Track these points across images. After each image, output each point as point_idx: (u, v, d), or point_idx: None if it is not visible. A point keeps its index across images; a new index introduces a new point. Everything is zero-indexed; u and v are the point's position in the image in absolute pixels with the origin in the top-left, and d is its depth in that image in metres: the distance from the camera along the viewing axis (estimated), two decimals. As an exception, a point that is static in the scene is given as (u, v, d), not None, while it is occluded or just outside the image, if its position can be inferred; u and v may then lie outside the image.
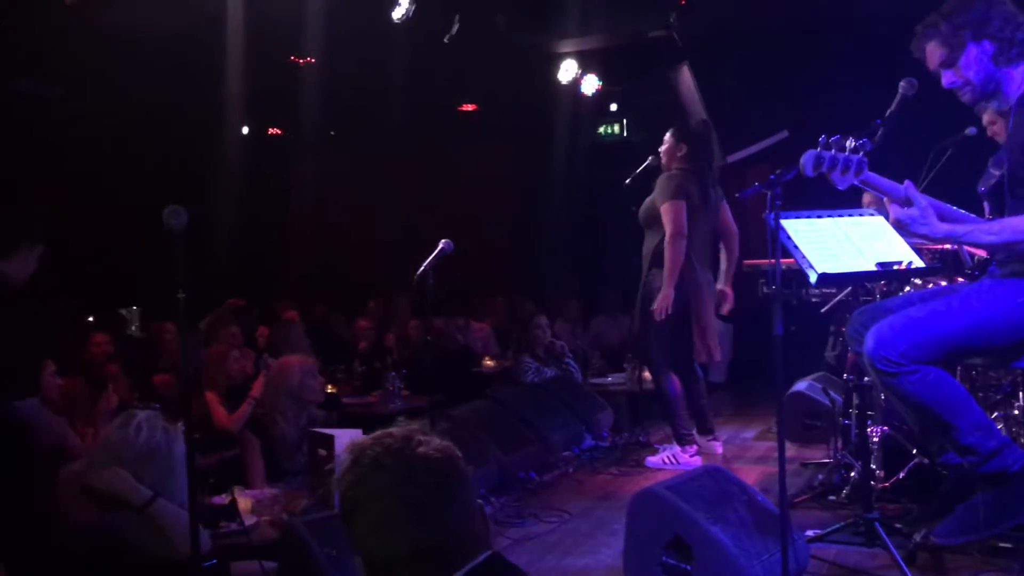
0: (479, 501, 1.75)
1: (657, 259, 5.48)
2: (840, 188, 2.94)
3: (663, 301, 5.39)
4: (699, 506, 3.32)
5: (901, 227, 2.87)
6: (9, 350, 3.90)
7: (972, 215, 3.07)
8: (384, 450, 1.66)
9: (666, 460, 5.53)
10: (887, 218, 3.83)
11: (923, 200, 2.85)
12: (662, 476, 5.18)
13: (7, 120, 8.41)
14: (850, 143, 2.86)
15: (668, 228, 5.37)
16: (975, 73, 2.98)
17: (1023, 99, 2.96)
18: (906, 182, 2.88)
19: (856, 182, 2.94)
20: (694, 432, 5.65)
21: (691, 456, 5.51)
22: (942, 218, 2.89)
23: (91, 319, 9.10)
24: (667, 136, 5.68)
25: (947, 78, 3.05)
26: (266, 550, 3.31)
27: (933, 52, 3.04)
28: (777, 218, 3.15)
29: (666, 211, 5.39)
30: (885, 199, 2.95)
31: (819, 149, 2.81)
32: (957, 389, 2.90)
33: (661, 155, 5.68)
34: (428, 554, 1.61)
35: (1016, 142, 2.96)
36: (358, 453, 1.68)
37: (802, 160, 2.82)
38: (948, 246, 4.21)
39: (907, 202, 2.85)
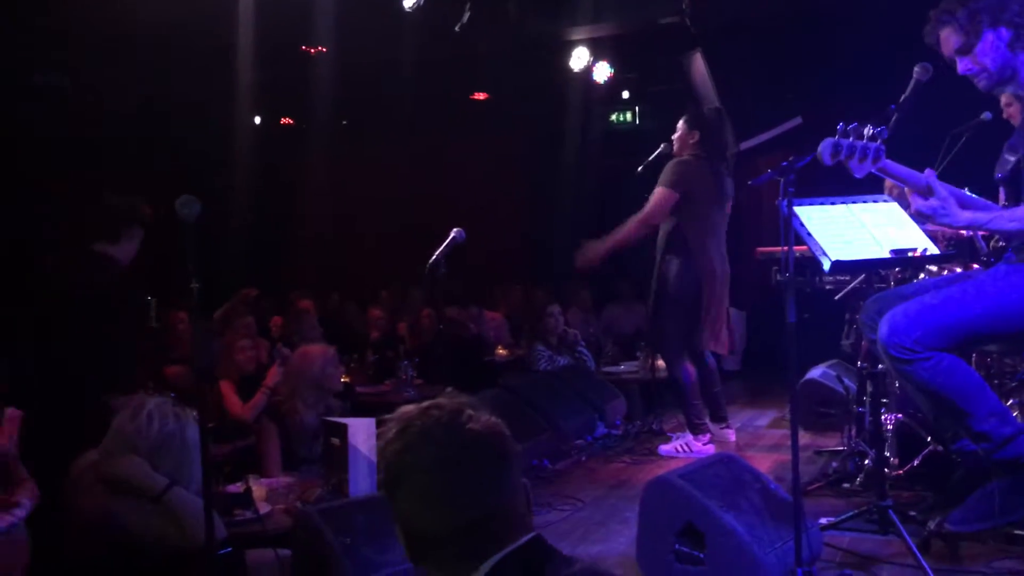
0: (524, 480, 1.69)
1: (671, 246, 5.48)
2: (857, 176, 2.92)
3: (590, 253, 5.47)
4: (712, 494, 3.32)
5: (923, 218, 2.87)
6: (125, 334, 4.02)
7: (990, 203, 3.05)
8: (433, 422, 1.62)
9: (679, 448, 5.54)
10: (906, 209, 3.82)
11: (943, 189, 2.83)
12: (675, 464, 5.19)
13: (20, 112, 8.44)
14: (868, 131, 2.83)
15: (646, 208, 5.41)
16: (992, 60, 2.95)
17: None
18: (927, 171, 2.87)
19: (874, 170, 2.92)
20: (707, 420, 5.65)
21: (704, 444, 5.52)
22: (962, 206, 2.87)
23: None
24: (680, 123, 5.66)
25: (963, 65, 3.02)
26: (281, 538, 3.33)
27: (949, 38, 3.02)
28: (790, 205, 3.14)
29: (655, 194, 5.44)
30: (906, 189, 2.93)
31: (837, 137, 2.79)
32: (971, 376, 2.89)
33: (673, 142, 5.67)
34: (470, 531, 1.57)
35: None
36: (406, 423, 1.63)
37: (820, 148, 2.81)
38: (964, 233, 4.18)
39: (928, 191, 2.83)
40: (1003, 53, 2.94)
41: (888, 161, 2.93)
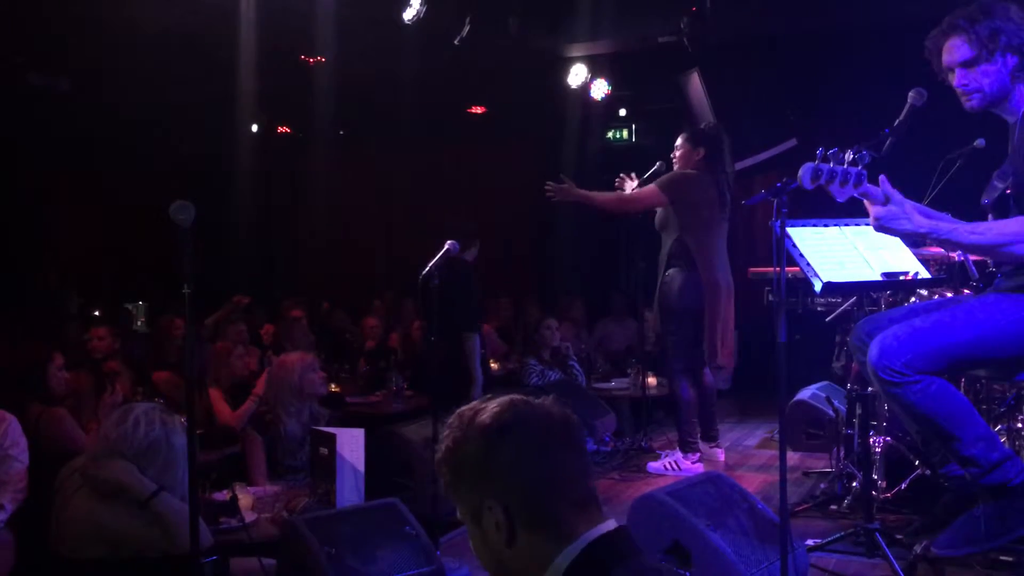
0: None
1: (673, 260, 5.48)
2: (840, 200, 2.90)
3: (563, 191, 5.59)
4: (700, 512, 3.32)
5: (881, 225, 2.84)
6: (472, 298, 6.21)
7: (954, 218, 3.04)
8: (509, 404, 1.62)
9: (668, 466, 5.53)
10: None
11: (899, 195, 2.83)
12: (664, 482, 5.18)
13: (16, 114, 8.45)
14: (849, 156, 2.83)
15: (635, 192, 5.53)
16: (991, 83, 2.92)
17: None
18: (881, 178, 2.85)
19: (856, 194, 2.90)
20: (699, 440, 5.64)
21: (693, 463, 5.51)
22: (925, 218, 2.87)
23: (96, 313, 9.14)
24: (679, 141, 5.64)
25: (960, 78, 2.97)
26: (266, 547, 3.32)
27: (958, 47, 2.95)
28: (783, 226, 3.16)
29: (647, 188, 5.52)
30: (866, 202, 2.91)
31: (817, 162, 2.79)
32: (960, 400, 2.89)
33: (675, 160, 5.66)
34: (562, 487, 1.56)
35: (1022, 155, 2.95)
36: (475, 411, 1.63)
37: (800, 173, 2.80)
38: (955, 257, 4.20)
39: (886, 200, 2.82)
40: (1004, 79, 2.92)
41: (871, 186, 2.92)
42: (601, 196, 5.61)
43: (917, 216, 2.83)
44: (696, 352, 5.56)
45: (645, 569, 1.58)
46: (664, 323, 5.54)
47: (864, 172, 2.84)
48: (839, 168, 2.80)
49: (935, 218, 2.92)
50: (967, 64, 2.94)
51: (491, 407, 1.62)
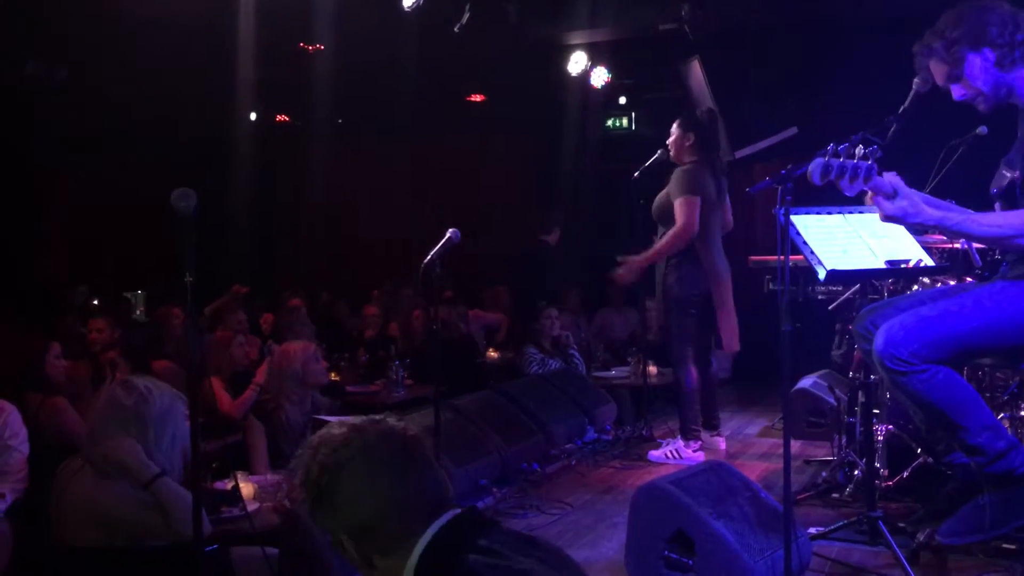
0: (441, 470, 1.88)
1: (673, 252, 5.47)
2: (848, 195, 2.90)
3: (632, 269, 5.49)
4: (703, 501, 3.32)
5: (894, 220, 2.84)
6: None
7: (958, 206, 3.04)
8: (354, 425, 1.84)
9: (669, 455, 5.52)
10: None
11: (906, 188, 2.82)
12: (665, 470, 5.18)
13: (13, 104, 8.40)
14: (859, 150, 2.81)
15: (680, 220, 5.36)
16: (983, 82, 2.95)
17: None
18: (890, 174, 2.84)
19: (866, 188, 2.89)
20: (700, 428, 5.64)
21: (694, 451, 5.50)
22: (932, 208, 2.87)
23: (95, 302, 9.13)
24: (674, 127, 5.65)
25: (957, 92, 3.02)
26: (268, 536, 3.31)
27: (937, 70, 3.03)
28: (787, 214, 3.14)
29: (680, 205, 5.38)
30: (868, 195, 2.91)
31: (827, 157, 2.77)
32: (966, 389, 2.88)
33: (669, 147, 5.66)
34: (404, 507, 1.76)
35: None
36: (330, 432, 1.84)
37: (809, 168, 2.78)
38: (958, 245, 4.19)
39: (893, 194, 2.81)
40: (993, 73, 2.94)
41: (881, 180, 2.91)
42: (661, 245, 5.46)
43: (926, 208, 2.82)
44: (701, 339, 5.55)
45: (498, 539, 1.75)
46: (668, 312, 5.53)
47: (874, 166, 2.82)
48: (849, 163, 2.77)
49: (943, 209, 2.91)
50: (952, 79, 2.99)
51: (334, 439, 1.81)
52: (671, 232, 5.39)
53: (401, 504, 1.76)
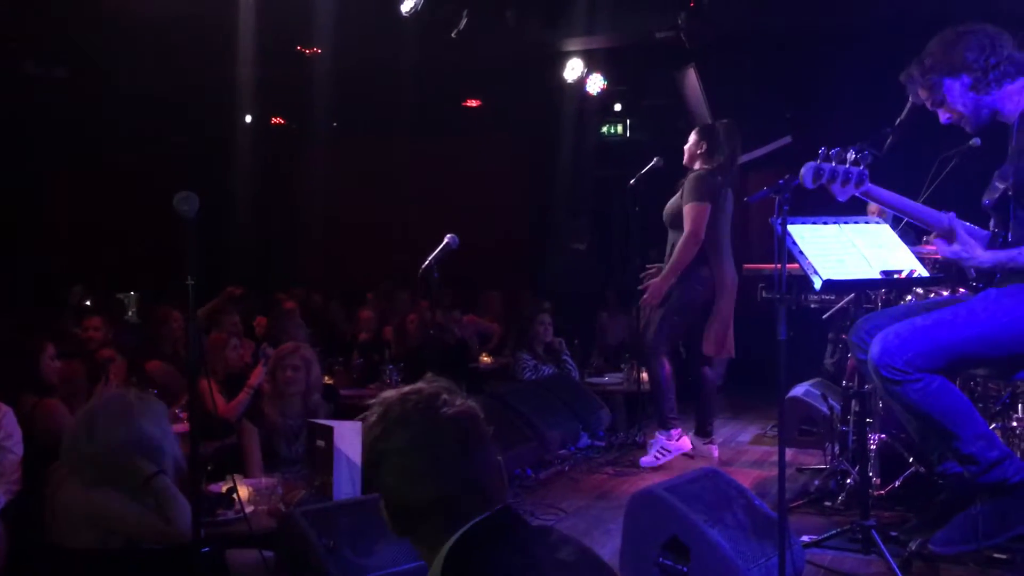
0: (498, 457, 1.84)
1: None
2: (840, 199, 2.96)
3: (655, 294, 5.46)
4: (698, 508, 3.33)
5: (950, 263, 2.96)
6: None
7: (988, 232, 3.11)
8: (412, 407, 1.77)
9: (657, 455, 5.54)
10: (893, 226, 3.85)
11: (964, 235, 2.91)
12: (658, 476, 5.20)
13: (11, 102, 8.39)
14: (851, 155, 2.86)
15: (687, 227, 5.39)
16: (963, 106, 3.08)
17: None
18: (949, 215, 2.95)
19: (857, 194, 2.94)
20: (677, 416, 5.66)
21: (677, 440, 5.54)
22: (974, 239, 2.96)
23: (88, 303, 9.10)
24: (692, 135, 5.71)
25: (943, 116, 3.14)
26: (264, 539, 3.31)
27: (920, 96, 3.15)
28: (784, 223, 3.16)
29: (689, 211, 5.41)
30: (936, 241, 3.01)
31: (819, 161, 2.81)
32: (960, 399, 2.91)
33: (684, 152, 5.71)
34: (446, 504, 1.74)
35: (1021, 154, 2.97)
36: (386, 407, 1.80)
37: (801, 172, 2.84)
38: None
39: (950, 234, 2.90)
40: (971, 97, 3.04)
41: (873, 186, 2.96)
42: (677, 257, 5.44)
43: (980, 251, 2.94)
44: (696, 343, 5.57)
45: (525, 539, 1.77)
46: (663, 306, 5.53)
47: (866, 172, 2.87)
48: (840, 167, 2.82)
49: (996, 252, 2.98)
50: (935, 105, 3.11)
51: (374, 428, 1.79)
52: (680, 242, 5.42)
53: (441, 501, 1.74)
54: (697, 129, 5.74)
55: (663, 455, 5.51)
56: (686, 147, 5.69)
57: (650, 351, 5.62)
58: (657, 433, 5.67)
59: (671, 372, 5.62)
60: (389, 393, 1.83)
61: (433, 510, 1.74)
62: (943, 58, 3.02)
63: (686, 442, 5.51)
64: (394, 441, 1.76)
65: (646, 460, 5.60)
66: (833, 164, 2.84)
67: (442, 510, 1.73)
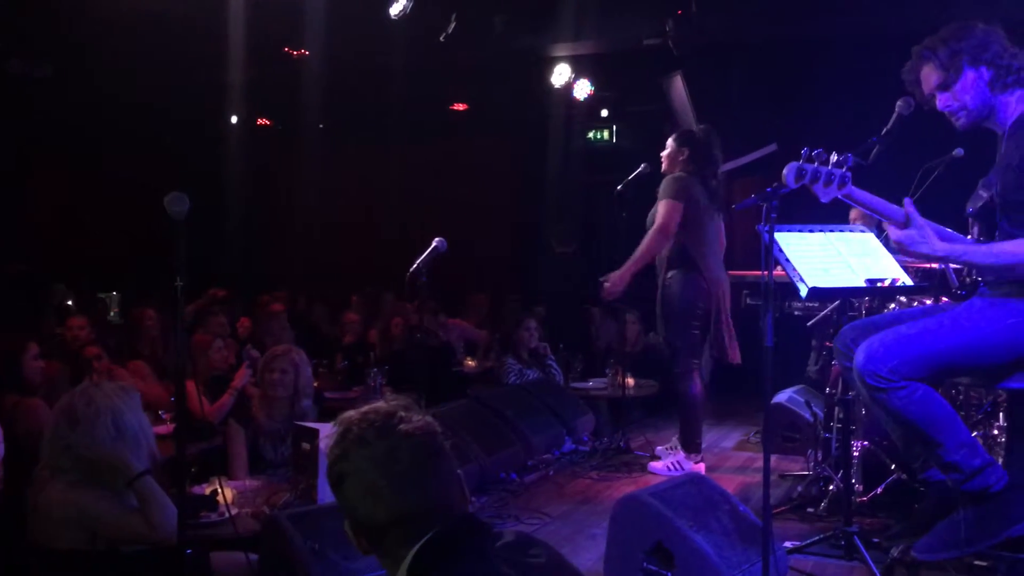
0: (458, 471, 1.88)
1: (674, 261, 5.45)
2: (823, 201, 2.95)
3: (616, 283, 5.40)
4: (683, 513, 3.34)
5: (901, 248, 2.90)
6: None
7: (964, 236, 3.11)
8: (368, 426, 1.80)
9: (671, 467, 5.44)
10: (877, 235, 3.88)
11: (921, 220, 2.88)
12: (644, 481, 5.22)
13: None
14: (834, 157, 2.87)
15: (657, 220, 5.38)
16: (971, 99, 3.01)
17: (1016, 124, 3.00)
18: (906, 201, 2.91)
19: (839, 195, 2.95)
20: (702, 441, 5.60)
21: (696, 464, 5.44)
22: (941, 239, 2.92)
23: (70, 303, 9.03)
24: (669, 141, 5.67)
25: (943, 101, 3.08)
26: (248, 542, 3.30)
27: (929, 75, 3.08)
28: (771, 231, 3.18)
29: (661, 207, 5.39)
30: (884, 222, 2.97)
31: (802, 161, 2.83)
32: (944, 407, 2.94)
33: (663, 159, 5.69)
34: (407, 520, 1.77)
35: (1008, 165, 2.99)
36: (345, 428, 1.83)
37: (784, 171, 2.84)
38: (935, 266, 4.25)
39: (906, 222, 2.87)
40: (983, 92, 3.00)
41: (855, 188, 2.97)
42: (640, 250, 5.41)
43: (936, 240, 2.89)
44: (700, 351, 5.57)
45: (488, 546, 1.78)
46: (670, 326, 5.51)
47: (848, 174, 2.88)
48: (823, 169, 2.84)
49: (952, 241, 2.97)
50: (942, 87, 3.05)
51: (334, 449, 1.82)
52: (648, 235, 5.40)
53: (402, 517, 1.77)
54: (675, 135, 5.68)
55: (675, 469, 5.44)
56: (665, 154, 5.65)
57: (681, 372, 5.50)
58: (679, 448, 5.57)
59: (703, 395, 5.55)
60: (348, 413, 1.86)
61: (395, 526, 1.77)
62: (976, 44, 2.97)
63: (702, 468, 5.48)
64: (353, 461, 1.79)
65: (656, 467, 5.51)
66: (816, 165, 2.85)
67: (404, 525, 1.77)
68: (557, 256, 9.26)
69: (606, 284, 5.48)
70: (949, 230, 3.11)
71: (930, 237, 2.86)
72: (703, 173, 5.56)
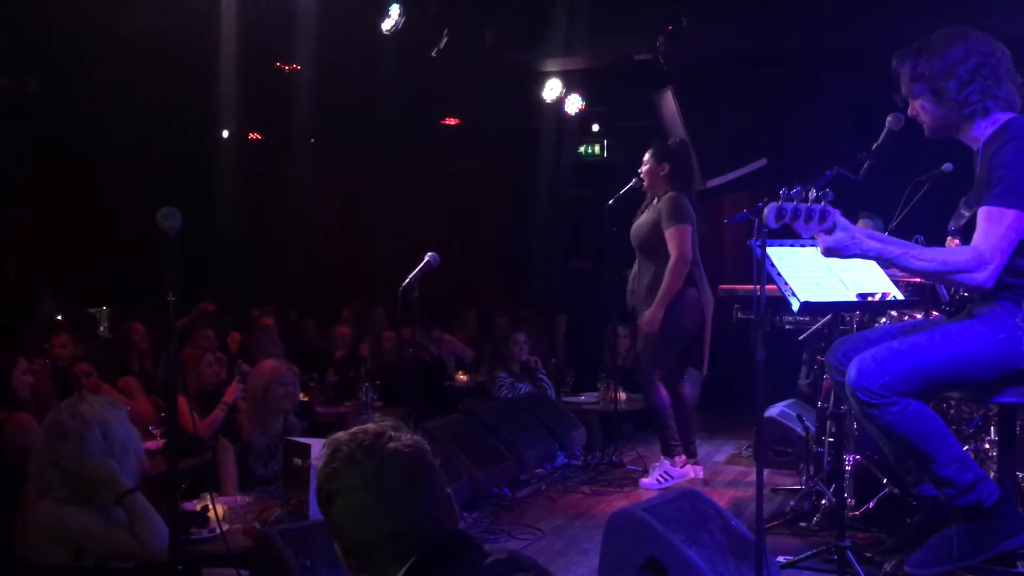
0: (448, 490, 1.89)
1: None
2: (804, 237, 2.95)
3: (652, 323, 5.39)
4: (676, 528, 3.33)
5: (829, 250, 2.88)
6: None
7: (907, 242, 3.11)
8: (357, 446, 1.81)
9: (660, 478, 5.45)
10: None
11: (845, 221, 2.88)
12: (636, 496, 5.21)
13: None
14: (812, 193, 2.87)
15: (674, 252, 5.33)
16: (931, 117, 3.07)
17: (987, 144, 3.01)
18: (832, 209, 2.91)
19: (821, 230, 2.93)
20: (680, 443, 5.61)
21: (681, 467, 5.50)
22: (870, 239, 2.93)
23: (59, 317, 8.99)
24: (646, 157, 5.63)
25: (911, 108, 3.15)
26: (238, 558, 3.28)
27: (902, 82, 3.13)
28: (763, 245, 3.19)
29: (672, 235, 5.35)
30: (816, 235, 2.96)
31: (780, 201, 2.83)
32: (936, 422, 2.94)
33: (642, 175, 5.67)
34: (396, 538, 1.78)
35: (983, 186, 3.01)
36: (334, 448, 1.84)
37: (764, 212, 2.84)
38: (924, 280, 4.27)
39: (832, 228, 2.86)
40: (945, 114, 3.04)
41: (840, 219, 2.94)
42: (666, 284, 5.35)
43: (866, 239, 2.88)
44: (679, 363, 5.57)
45: (476, 562, 1.78)
46: (650, 341, 5.50)
47: (828, 209, 2.87)
48: (803, 206, 2.83)
49: (883, 241, 2.95)
50: (910, 96, 3.09)
51: (324, 468, 1.83)
52: (670, 267, 5.34)
53: (392, 535, 1.78)
54: (652, 151, 5.62)
55: (666, 479, 5.43)
56: (644, 170, 5.60)
57: (646, 380, 5.55)
58: (662, 458, 5.61)
59: (669, 399, 5.56)
60: (338, 434, 1.87)
61: (385, 544, 1.78)
62: (940, 71, 3.00)
63: (690, 470, 5.49)
64: (343, 481, 1.80)
65: (647, 482, 5.50)
66: (795, 203, 2.85)
67: (393, 543, 1.78)
68: (573, 271, 9.25)
69: (642, 325, 5.47)
70: (887, 236, 3.11)
71: (859, 237, 2.86)
72: (688, 188, 5.57)
